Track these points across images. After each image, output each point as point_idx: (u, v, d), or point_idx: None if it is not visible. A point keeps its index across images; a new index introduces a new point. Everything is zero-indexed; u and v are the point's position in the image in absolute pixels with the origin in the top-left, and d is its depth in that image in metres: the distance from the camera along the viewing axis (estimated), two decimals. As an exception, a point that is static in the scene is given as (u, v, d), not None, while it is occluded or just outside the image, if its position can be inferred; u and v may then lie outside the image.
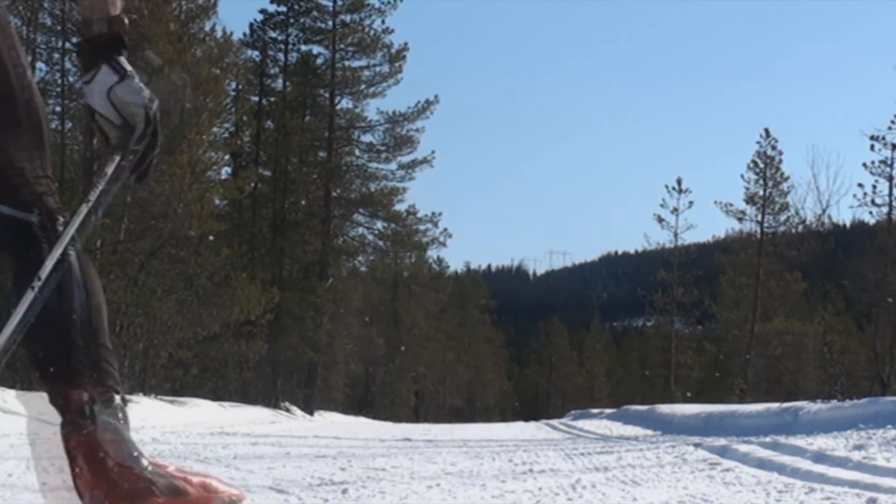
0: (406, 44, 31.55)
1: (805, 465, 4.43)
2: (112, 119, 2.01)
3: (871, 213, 26.48)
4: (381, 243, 33.16)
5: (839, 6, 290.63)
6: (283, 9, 32.08)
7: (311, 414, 27.05)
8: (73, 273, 1.91)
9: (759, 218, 35.33)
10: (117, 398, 1.90)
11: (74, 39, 18.56)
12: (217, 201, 23.73)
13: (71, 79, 19.12)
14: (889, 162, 26.35)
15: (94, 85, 2.00)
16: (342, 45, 31.58)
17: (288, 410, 24.85)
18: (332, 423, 19.65)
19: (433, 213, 33.12)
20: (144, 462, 1.90)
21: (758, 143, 35.49)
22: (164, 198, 17.97)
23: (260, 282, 24.18)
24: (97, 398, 1.91)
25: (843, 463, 4.41)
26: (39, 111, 2.05)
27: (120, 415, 1.92)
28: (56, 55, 19.07)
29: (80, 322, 1.92)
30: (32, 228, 1.96)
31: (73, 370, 1.89)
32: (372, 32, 31.28)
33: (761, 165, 35.15)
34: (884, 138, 26.30)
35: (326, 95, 32.03)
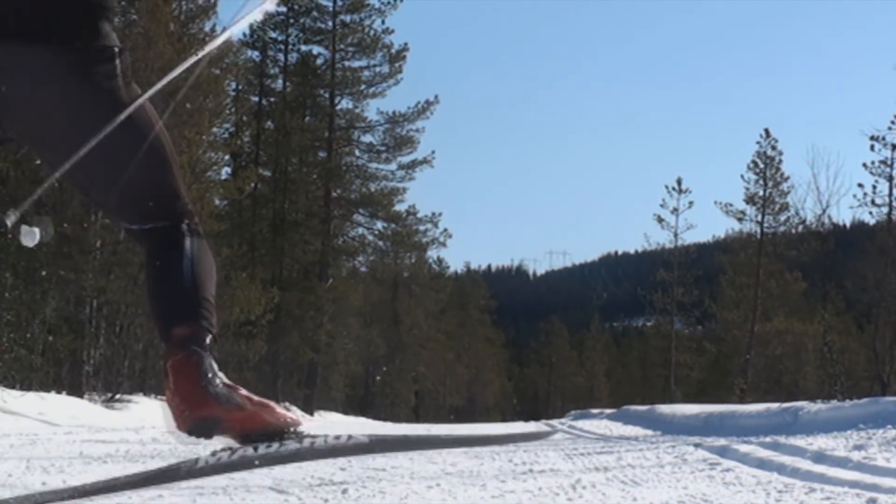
0: (406, 44, 31.55)
1: (805, 465, 4.43)
2: None
3: (870, 213, 26.51)
4: (381, 243, 33.18)
5: (839, 6, 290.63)
6: (283, 9, 32.07)
7: (312, 414, 27.05)
8: (194, 249, 2.55)
9: (759, 218, 35.36)
10: (208, 337, 2.45)
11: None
12: (217, 201, 23.73)
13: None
14: (889, 162, 26.38)
15: None
16: (342, 46, 31.59)
17: (288, 410, 24.85)
18: (332, 424, 19.65)
19: (433, 214, 33.15)
20: (217, 381, 2.43)
21: (758, 143, 35.54)
22: (164, 198, 17.97)
23: (260, 282, 24.18)
24: (192, 334, 2.43)
25: (843, 463, 4.41)
26: (167, 142, 2.63)
27: (207, 347, 2.46)
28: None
29: (189, 279, 2.51)
30: (180, 229, 2.56)
31: (179, 312, 2.47)
32: (372, 33, 31.30)
33: (761, 165, 35.17)
34: (884, 138, 26.33)
35: (326, 95, 32.04)
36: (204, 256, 2.60)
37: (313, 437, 2.56)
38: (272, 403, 2.56)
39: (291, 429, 2.53)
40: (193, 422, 2.43)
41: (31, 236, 2.49)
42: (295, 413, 2.72)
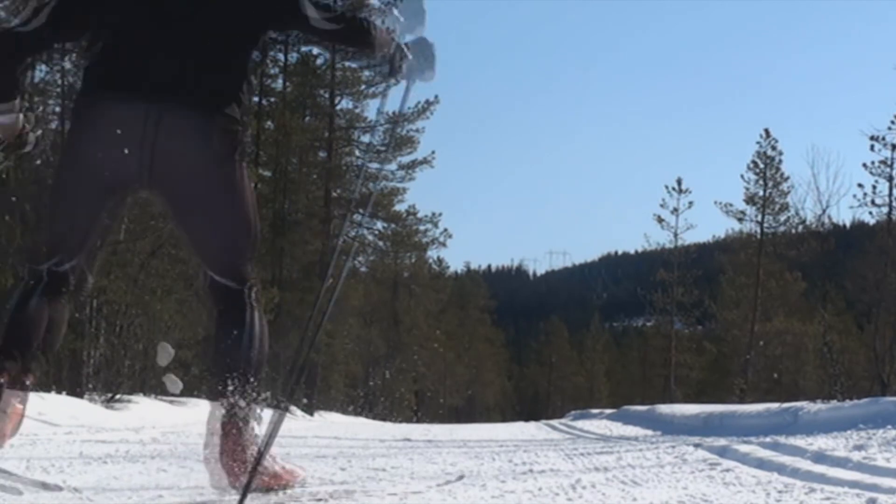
0: (406, 44, 31.57)
1: (805, 465, 4.43)
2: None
3: (870, 213, 26.52)
4: (381, 243, 33.16)
5: (839, 6, 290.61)
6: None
7: (311, 414, 27.04)
8: (255, 327, 3.13)
9: (759, 218, 35.37)
10: (257, 408, 3.02)
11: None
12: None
13: (71, 79, 19.11)
14: (889, 162, 26.39)
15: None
16: (342, 46, 31.61)
17: (288, 410, 24.85)
18: (332, 424, 19.66)
19: (433, 214, 33.19)
20: (251, 452, 3.01)
21: (758, 143, 35.54)
22: (165, 198, 17.96)
23: (260, 282, 24.15)
24: (241, 403, 2.98)
25: (843, 463, 4.41)
26: (252, 214, 3.19)
27: (254, 415, 3.04)
28: (56, 55, 19.04)
29: (247, 357, 3.05)
30: (243, 295, 3.15)
31: (234, 385, 3.00)
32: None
33: (761, 166, 35.18)
34: (884, 138, 26.34)
35: (326, 95, 32.04)
36: (263, 334, 3.17)
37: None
38: (296, 469, 3.25)
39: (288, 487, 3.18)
40: (238, 485, 2.99)
41: (166, 355, 3.42)
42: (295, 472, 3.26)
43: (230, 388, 3.01)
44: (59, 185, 3.24)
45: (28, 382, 3.15)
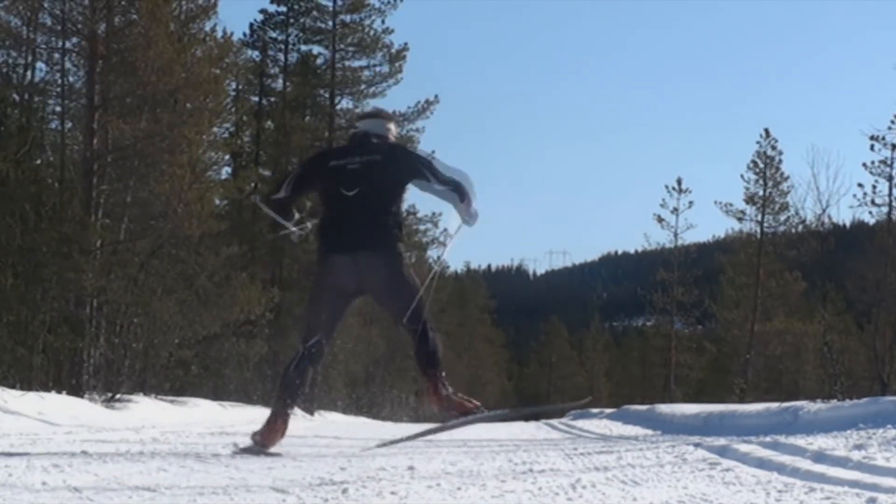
0: (406, 44, 31.56)
1: (805, 464, 4.43)
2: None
3: (870, 213, 26.52)
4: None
5: (839, 6, 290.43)
6: (283, 9, 32.10)
7: (311, 414, 27.03)
8: (436, 341, 5.81)
9: (759, 218, 35.39)
10: (443, 374, 5.74)
11: (74, 39, 18.54)
12: (217, 201, 23.73)
13: (71, 79, 19.11)
14: (889, 162, 26.39)
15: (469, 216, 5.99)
16: (342, 45, 31.59)
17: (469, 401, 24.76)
18: (331, 423, 19.65)
19: (433, 213, 33.16)
20: (447, 391, 5.76)
21: (758, 143, 35.55)
22: (165, 197, 17.97)
23: (260, 281, 24.16)
24: (437, 374, 5.73)
25: (842, 463, 4.40)
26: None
27: (443, 379, 5.76)
28: (56, 55, 19.03)
29: (434, 353, 5.78)
30: (426, 328, 5.80)
31: (433, 366, 5.75)
32: (372, 32, 31.30)
33: (761, 165, 35.20)
34: (883, 138, 26.33)
35: (326, 95, 32.04)
36: (439, 341, 5.82)
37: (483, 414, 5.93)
38: (470, 403, 5.82)
39: (477, 411, 5.80)
40: (442, 410, 5.74)
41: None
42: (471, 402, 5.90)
43: (433, 372, 5.77)
44: (314, 296, 5.88)
45: (291, 414, 5.90)
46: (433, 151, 6.09)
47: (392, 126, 6.07)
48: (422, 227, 33.44)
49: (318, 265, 5.85)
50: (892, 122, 26.59)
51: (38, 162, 17.71)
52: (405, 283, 5.74)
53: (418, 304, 5.72)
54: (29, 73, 19.16)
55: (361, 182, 5.71)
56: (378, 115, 6.20)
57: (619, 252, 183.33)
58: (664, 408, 15.46)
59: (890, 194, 25.89)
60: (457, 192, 5.81)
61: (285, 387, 5.81)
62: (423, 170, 5.76)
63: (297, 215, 6.06)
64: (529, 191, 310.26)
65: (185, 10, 20.90)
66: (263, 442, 5.74)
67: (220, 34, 22.24)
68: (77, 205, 16.69)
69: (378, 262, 5.70)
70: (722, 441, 6.12)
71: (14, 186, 15.05)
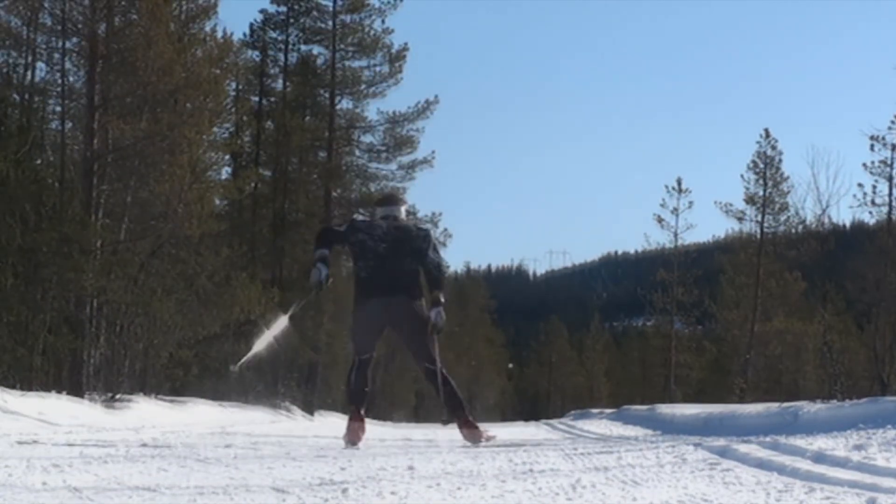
0: (406, 44, 31.55)
1: (805, 465, 4.43)
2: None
3: (870, 213, 26.49)
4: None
5: (839, 6, 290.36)
6: (283, 9, 32.10)
7: (311, 414, 27.04)
8: (450, 383, 7.60)
9: (759, 218, 35.35)
10: (467, 412, 7.62)
11: (75, 39, 18.54)
12: (217, 201, 23.72)
13: (71, 79, 19.11)
14: (889, 162, 26.36)
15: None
16: (342, 46, 31.57)
17: (288, 411, 24.84)
18: (331, 424, 19.66)
19: (433, 213, 33.12)
20: (471, 420, 7.66)
21: (758, 143, 35.52)
22: (165, 198, 17.97)
23: (260, 282, 24.16)
24: (466, 416, 7.56)
25: (842, 463, 4.41)
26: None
27: (468, 415, 7.59)
28: (56, 55, 19.03)
29: (455, 396, 7.55)
30: (438, 368, 7.46)
31: (458, 408, 7.55)
32: (372, 33, 31.28)
33: (761, 166, 35.17)
34: (883, 139, 26.30)
35: (326, 96, 32.03)
36: (452, 385, 7.49)
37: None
38: (482, 432, 7.40)
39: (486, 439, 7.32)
40: (473, 439, 7.29)
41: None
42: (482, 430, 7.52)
43: (462, 413, 7.49)
44: (356, 324, 7.63)
45: (363, 415, 7.47)
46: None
47: (404, 209, 7.82)
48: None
49: (355, 306, 7.60)
50: (893, 122, 26.58)
51: (39, 162, 17.71)
52: (424, 325, 7.43)
53: (432, 347, 7.49)
54: (29, 73, 19.17)
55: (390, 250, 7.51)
56: (393, 200, 7.91)
57: (619, 252, 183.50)
58: (664, 408, 15.47)
59: (890, 194, 25.88)
60: (437, 276, 7.53)
61: (353, 393, 7.57)
62: (424, 245, 7.52)
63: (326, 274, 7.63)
64: (529, 191, 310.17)
65: (186, 10, 20.90)
66: (351, 439, 7.23)
67: (220, 34, 22.24)
68: (77, 205, 16.68)
69: (403, 307, 7.45)
70: (722, 441, 6.12)
71: (14, 186, 15.05)
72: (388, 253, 7.38)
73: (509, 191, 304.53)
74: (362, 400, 7.47)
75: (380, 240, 7.41)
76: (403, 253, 7.41)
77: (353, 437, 7.21)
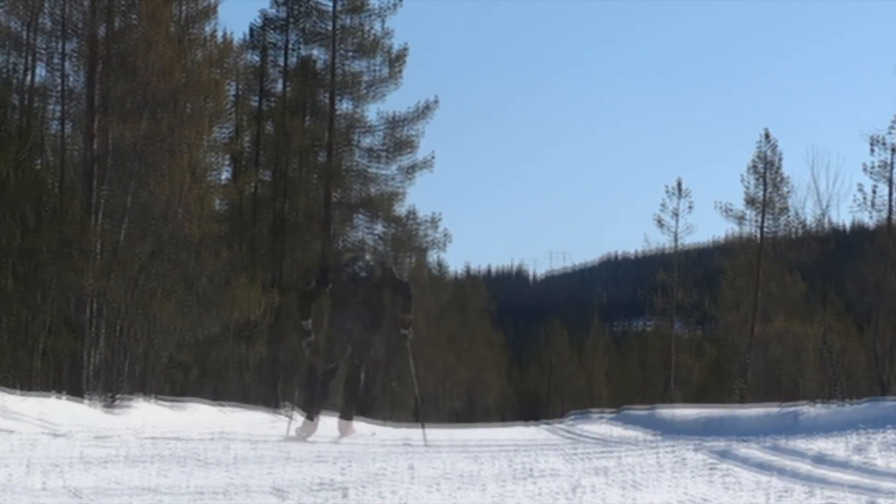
0: (406, 46, 31.54)
1: (805, 467, 4.43)
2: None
3: (870, 215, 26.47)
4: (381, 246, 33.07)
5: (839, 6, 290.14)
6: (283, 11, 32.09)
7: (311, 418, 26.99)
8: (360, 381, 9.92)
9: (759, 220, 35.33)
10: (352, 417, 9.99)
11: (74, 41, 18.53)
12: (217, 203, 23.71)
13: (71, 81, 19.09)
14: (889, 164, 26.34)
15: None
16: (342, 48, 31.55)
17: (289, 417, 24.80)
18: (331, 426, 19.64)
19: (433, 214, 33.08)
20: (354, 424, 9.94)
21: (758, 144, 35.50)
22: (165, 199, 17.96)
23: (260, 284, 24.15)
24: (348, 414, 10.04)
25: (843, 465, 4.41)
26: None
27: (353, 411, 10.15)
28: (56, 57, 19.02)
29: (356, 398, 10.13)
30: (361, 369, 9.90)
31: (351, 405, 10.05)
32: (372, 35, 31.26)
33: (761, 167, 35.15)
34: (884, 140, 26.28)
35: (326, 97, 32.02)
36: (362, 382, 9.97)
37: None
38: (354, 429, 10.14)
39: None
40: (344, 432, 9.96)
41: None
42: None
43: (349, 405, 9.77)
44: (329, 340, 9.69)
45: (316, 420, 9.71)
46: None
47: (368, 256, 10.01)
48: (421, 232, 33.35)
49: (330, 331, 9.68)
50: (893, 123, 26.55)
51: (39, 164, 17.72)
52: (376, 346, 9.77)
53: (364, 353, 9.57)
54: (29, 75, 19.16)
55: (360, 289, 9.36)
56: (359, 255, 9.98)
57: (619, 254, 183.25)
58: (664, 410, 15.47)
59: (890, 197, 25.85)
60: (405, 300, 9.49)
61: (316, 400, 9.75)
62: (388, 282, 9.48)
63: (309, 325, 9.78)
64: (529, 192, 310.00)
65: (186, 12, 20.89)
66: (303, 434, 9.24)
67: (220, 36, 22.24)
68: (77, 207, 16.68)
69: (367, 335, 9.46)
70: (722, 444, 6.12)
71: (14, 188, 15.05)
72: (355, 291, 9.31)
73: (509, 192, 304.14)
74: (320, 408, 9.72)
75: (349, 280, 9.32)
76: (369, 289, 9.36)
77: (305, 431, 9.48)
